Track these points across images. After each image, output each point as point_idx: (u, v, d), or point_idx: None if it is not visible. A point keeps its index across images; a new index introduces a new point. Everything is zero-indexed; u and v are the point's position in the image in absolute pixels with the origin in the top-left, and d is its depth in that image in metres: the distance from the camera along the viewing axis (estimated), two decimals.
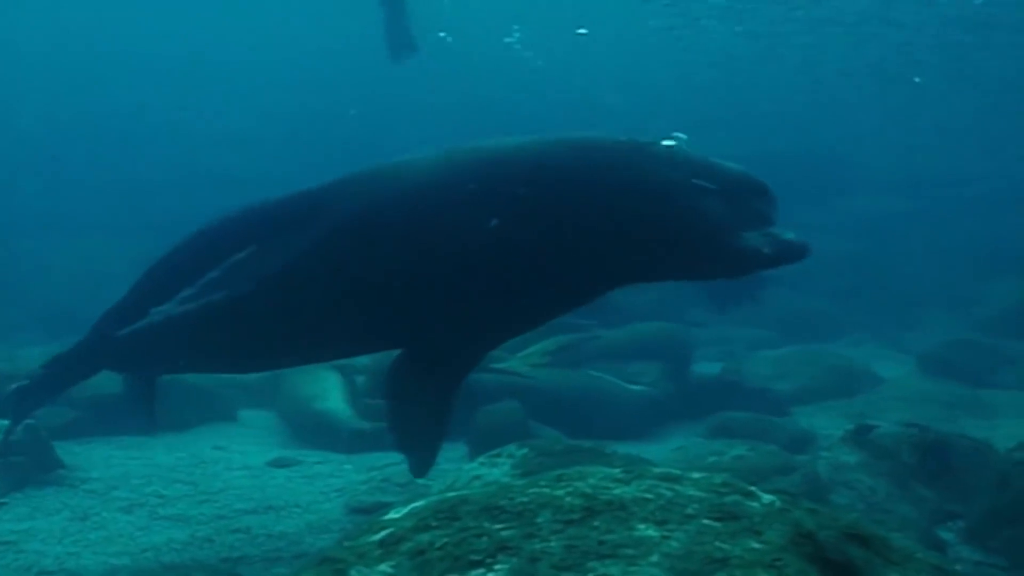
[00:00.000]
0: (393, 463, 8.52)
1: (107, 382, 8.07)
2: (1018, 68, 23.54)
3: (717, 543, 2.73)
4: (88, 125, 27.56)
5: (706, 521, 2.87)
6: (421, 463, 6.10)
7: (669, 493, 3.05)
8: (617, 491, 3.07)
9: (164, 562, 6.22)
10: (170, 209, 19.48)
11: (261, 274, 5.27)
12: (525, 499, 3.08)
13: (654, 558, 2.65)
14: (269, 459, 8.77)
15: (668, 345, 11.52)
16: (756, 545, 2.73)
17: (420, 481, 7.65)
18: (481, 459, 6.35)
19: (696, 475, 3.22)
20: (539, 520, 2.94)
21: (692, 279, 5.33)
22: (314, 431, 9.71)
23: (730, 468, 7.53)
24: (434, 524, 3.06)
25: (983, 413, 9.98)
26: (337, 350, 6.46)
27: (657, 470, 3.25)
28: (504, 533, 2.89)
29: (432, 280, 5.12)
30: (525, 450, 6.20)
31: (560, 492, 3.09)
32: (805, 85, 25.41)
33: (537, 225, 4.89)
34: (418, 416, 5.80)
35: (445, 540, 2.92)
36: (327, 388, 10.22)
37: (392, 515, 3.39)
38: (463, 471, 6.33)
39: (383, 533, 3.11)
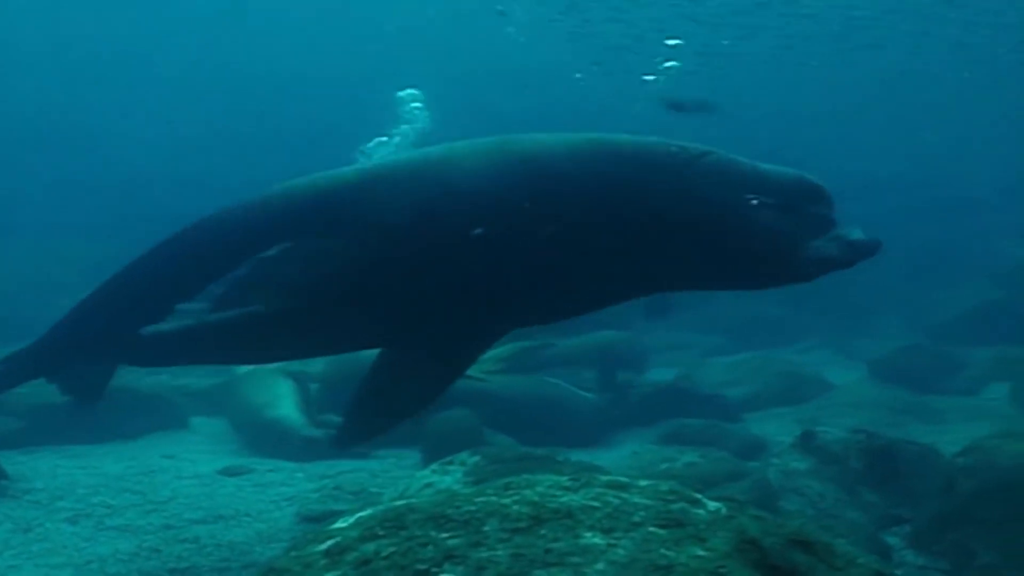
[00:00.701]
0: (345, 471, 8.49)
1: (52, 391, 7.93)
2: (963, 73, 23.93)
3: (662, 550, 2.75)
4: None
5: (652, 529, 2.88)
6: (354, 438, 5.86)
7: (616, 501, 3.06)
8: (564, 499, 3.07)
9: (109, 573, 6.11)
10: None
11: (311, 274, 5.03)
12: (472, 507, 3.07)
13: (600, 566, 2.66)
14: (220, 467, 8.66)
15: (622, 353, 11.59)
16: (701, 552, 2.75)
17: (372, 489, 7.63)
18: (433, 466, 6.34)
19: (643, 483, 3.23)
20: (486, 529, 2.93)
21: (768, 288, 5.23)
22: (266, 439, 9.62)
23: (682, 475, 7.57)
24: (380, 533, 3.04)
25: (931, 419, 10.12)
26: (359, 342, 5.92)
27: (604, 478, 3.26)
28: (451, 542, 2.88)
29: (479, 279, 4.92)
30: (477, 457, 6.20)
31: (507, 500, 3.09)
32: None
33: (591, 244, 4.75)
34: (389, 410, 5.59)
35: (391, 549, 2.90)
36: (279, 395, 10.13)
37: (339, 524, 3.37)
38: (415, 478, 6.29)
39: (329, 543, 3.09)
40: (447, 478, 6.08)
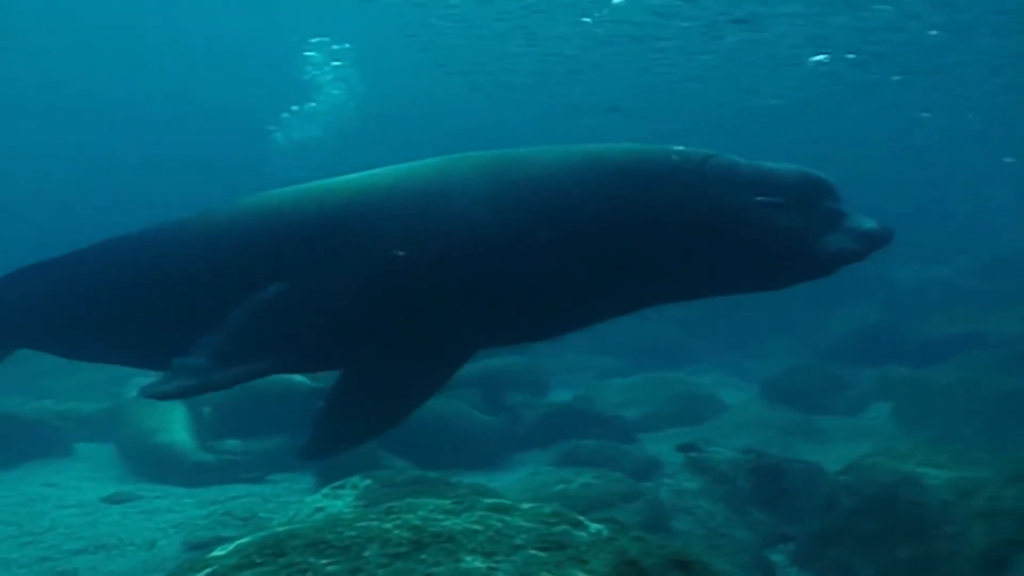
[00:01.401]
0: (236, 496, 8.30)
1: None
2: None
3: (543, 573, 2.75)
4: None
5: (533, 551, 2.89)
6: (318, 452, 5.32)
7: (499, 524, 3.06)
8: (447, 523, 3.06)
9: None
10: None
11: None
12: (353, 533, 3.04)
13: None
14: (104, 495, 8.39)
15: (518, 376, 11.62)
16: (581, 574, 2.75)
17: (262, 514, 7.48)
18: (325, 491, 6.20)
19: (526, 505, 3.23)
20: (366, 554, 2.90)
21: (785, 288, 5.11)
22: (155, 464, 9.36)
23: (577, 496, 7.60)
24: (258, 561, 2.98)
25: (817, 438, 10.40)
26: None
27: (488, 501, 3.25)
28: (330, 568, 2.84)
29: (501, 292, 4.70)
30: (369, 481, 6.11)
31: (389, 525, 3.06)
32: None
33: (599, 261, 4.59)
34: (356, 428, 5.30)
35: None
36: (170, 420, 9.87)
37: (217, 552, 3.30)
38: (305, 503, 6.17)
39: (205, 572, 3.03)
40: (338, 502, 5.97)
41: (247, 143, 28.37)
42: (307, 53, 23.36)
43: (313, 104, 25.27)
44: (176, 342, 4.76)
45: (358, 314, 4.70)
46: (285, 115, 25.94)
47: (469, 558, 2.84)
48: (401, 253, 4.55)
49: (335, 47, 22.88)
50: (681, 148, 4.80)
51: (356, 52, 23.14)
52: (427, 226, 4.64)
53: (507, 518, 3.09)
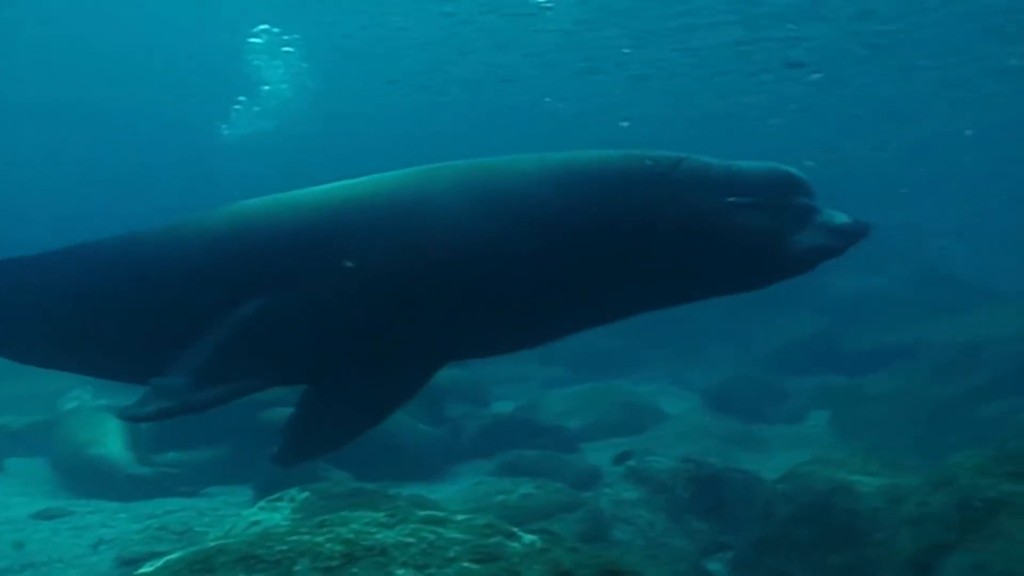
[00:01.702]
0: (172, 510, 8.17)
1: None
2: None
3: None
4: None
5: (466, 564, 2.89)
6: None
7: (432, 536, 3.05)
8: (379, 536, 3.05)
9: None
10: None
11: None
12: (284, 547, 3.01)
13: None
14: (34, 511, 8.22)
15: (459, 388, 11.57)
16: None
17: (198, 528, 7.37)
18: (261, 503, 6.15)
19: (460, 517, 3.22)
20: (297, 568, 2.89)
21: (762, 288, 5.08)
22: (89, 479, 9.17)
23: (517, 506, 7.60)
24: None
25: (756, 447, 10.51)
26: None
27: (422, 513, 3.24)
28: None
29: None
30: (307, 494, 6.06)
31: (320, 539, 3.04)
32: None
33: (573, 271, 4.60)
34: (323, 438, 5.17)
35: None
36: (104, 432, 9.68)
37: (146, 569, 3.25)
38: (241, 517, 6.10)
39: None
40: (275, 515, 5.92)
41: (194, 141, 27.68)
42: (252, 40, 22.41)
43: (266, 88, 24.27)
44: (146, 356, 4.68)
45: (341, 329, 4.59)
46: (238, 107, 25.04)
47: (401, 571, 2.83)
48: (369, 265, 4.53)
49: (285, 36, 22.02)
50: (653, 153, 4.79)
51: (305, 42, 22.45)
52: (408, 239, 4.57)
53: (440, 530, 3.08)
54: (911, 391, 11.00)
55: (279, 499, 6.08)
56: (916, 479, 5.50)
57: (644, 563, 4.39)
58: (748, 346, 17.41)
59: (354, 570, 2.86)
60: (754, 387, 13.03)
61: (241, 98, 24.57)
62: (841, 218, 4.60)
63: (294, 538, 3.07)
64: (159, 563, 3.26)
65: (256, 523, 5.84)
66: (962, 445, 9.06)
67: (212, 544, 3.34)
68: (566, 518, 7.31)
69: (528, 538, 3.11)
